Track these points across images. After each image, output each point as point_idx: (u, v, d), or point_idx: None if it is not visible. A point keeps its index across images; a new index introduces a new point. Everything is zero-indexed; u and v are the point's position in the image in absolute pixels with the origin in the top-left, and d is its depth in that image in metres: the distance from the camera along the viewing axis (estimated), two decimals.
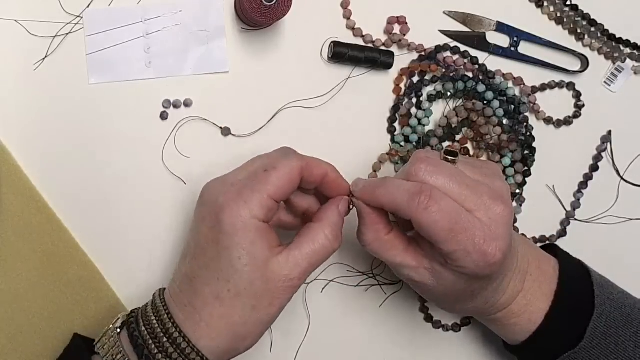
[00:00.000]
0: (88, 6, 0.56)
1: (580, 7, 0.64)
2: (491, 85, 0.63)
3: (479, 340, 0.64)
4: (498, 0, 0.63)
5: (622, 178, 0.66)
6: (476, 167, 0.51)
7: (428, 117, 0.62)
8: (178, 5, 0.58)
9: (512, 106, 0.63)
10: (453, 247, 0.47)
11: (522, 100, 0.64)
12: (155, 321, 0.48)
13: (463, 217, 0.47)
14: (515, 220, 0.64)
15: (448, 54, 0.63)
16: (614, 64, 0.66)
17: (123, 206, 0.58)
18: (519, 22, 0.64)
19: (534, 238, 0.65)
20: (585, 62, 0.65)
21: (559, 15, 0.65)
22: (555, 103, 0.65)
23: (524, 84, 0.64)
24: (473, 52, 0.63)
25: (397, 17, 0.62)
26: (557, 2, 0.64)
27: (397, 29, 0.62)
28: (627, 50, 0.66)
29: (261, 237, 0.47)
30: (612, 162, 0.66)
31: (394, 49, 0.62)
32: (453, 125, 0.63)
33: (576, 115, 0.65)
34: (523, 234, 0.65)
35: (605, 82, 0.66)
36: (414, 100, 0.62)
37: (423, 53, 0.62)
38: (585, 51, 0.65)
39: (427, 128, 0.62)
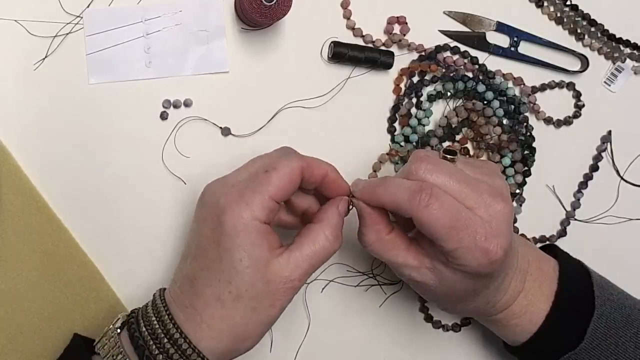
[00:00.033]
0: (88, 6, 0.56)
1: (580, 7, 0.64)
2: (491, 85, 0.63)
3: (478, 340, 0.64)
4: (498, 0, 0.63)
5: (622, 178, 0.66)
6: (475, 166, 0.52)
7: (428, 117, 0.62)
8: (178, 5, 0.58)
9: (512, 106, 0.63)
10: (454, 244, 0.47)
11: (522, 100, 0.64)
12: (155, 322, 0.48)
13: (464, 215, 0.47)
14: (515, 220, 0.64)
15: (448, 54, 0.63)
16: (614, 64, 0.66)
17: (123, 206, 0.58)
18: (519, 22, 0.64)
19: (534, 238, 0.65)
20: (585, 62, 0.65)
21: (559, 15, 0.65)
22: (555, 103, 0.65)
23: (524, 84, 0.64)
24: (473, 52, 0.63)
25: (397, 17, 0.62)
26: (557, 2, 0.64)
27: (397, 29, 0.62)
28: (627, 50, 0.66)
29: (262, 239, 0.47)
30: (612, 162, 0.66)
31: (394, 49, 0.62)
32: (453, 125, 0.63)
33: (576, 115, 0.65)
34: (523, 234, 0.65)
35: (605, 82, 0.66)
36: (414, 100, 0.62)
37: (423, 53, 0.62)
38: (585, 51, 0.65)
39: (427, 128, 0.62)
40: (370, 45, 0.61)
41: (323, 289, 0.62)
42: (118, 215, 0.58)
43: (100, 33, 0.57)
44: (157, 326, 0.48)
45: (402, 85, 0.62)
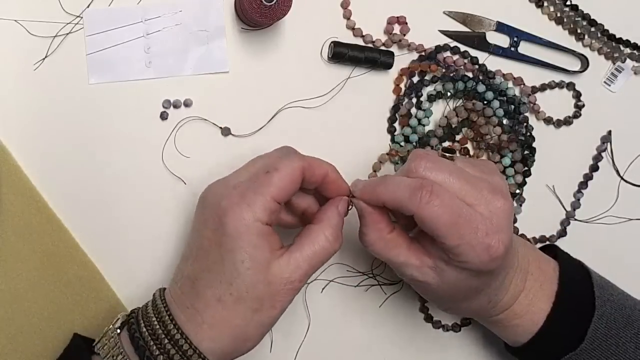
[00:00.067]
0: (88, 6, 0.56)
1: (580, 7, 0.64)
2: (491, 85, 0.63)
3: (478, 340, 0.64)
4: (498, 0, 0.63)
5: (622, 178, 0.66)
6: (474, 164, 0.52)
7: (428, 117, 0.62)
8: (178, 5, 0.58)
9: (512, 106, 0.63)
10: (456, 241, 0.47)
11: (522, 100, 0.64)
12: (156, 322, 0.48)
13: (465, 212, 0.47)
14: (515, 220, 0.64)
15: (448, 54, 0.63)
16: (614, 64, 0.66)
17: (123, 206, 0.58)
18: (519, 22, 0.64)
19: (534, 238, 0.65)
20: (585, 62, 0.65)
21: (559, 15, 0.65)
22: (555, 103, 0.65)
23: (524, 84, 0.64)
24: (473, 52, 0.63)
25: (397, 17, 0.62)
26: (557, 2, 0.64)
27: (397, 29, 0.62)
28: (627, 50, 0.66)
29: (264, 241, 0.47)
30: (612, 162, 0.66)
31: (394, 49, 0.62)
32: (453, 125, 0.63)
33: (576, 115, 0.65)
34: (523, 234, 0.65)
35: (605, 82, 0.66)
36: (414, 100, 0.62)
37: (423, 53, 0.62)
38: (585, 51, 0.65)
39: (427, 128, 0.62)
40: (370, 45, 0.61)
41: (323, 289, 0.62)
42: (118, 215, 0.58)
43: (100, 33, 0.57)
44: (158, 327, 0.48)
45: (402, 85, 0.62)
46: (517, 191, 0.64)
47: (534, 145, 0.64)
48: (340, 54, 0.60)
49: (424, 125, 0.62)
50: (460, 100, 0.63)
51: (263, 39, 0.60)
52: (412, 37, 0.62)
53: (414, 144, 0.62)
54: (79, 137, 0.57)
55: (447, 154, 0.51)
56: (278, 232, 0.49)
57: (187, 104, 0.58)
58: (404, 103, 0.62)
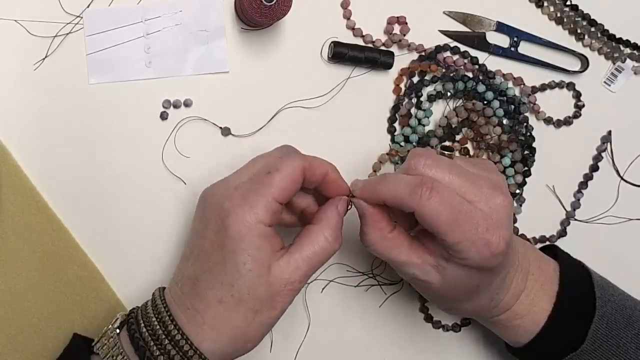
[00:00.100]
0: (88, 6, 0.56)
1: (580, 7, 0.64)
2: (491, 85, 0.63)
3: (478, 340, 0.64)
4: (498, 0, 0.63)
5: (622, 178, 0.66)
6: (472, 163, 0.52)
7: (428, 117, 0.62)
8: (178, 5, 0.58)
9: (512, 106, 0.63)
10: (457, 237, 0.47)
11: (522, 100, 0.64)
12: (156, 322, 0.48)
13: (465, 208, 0.48)
14: (515, 221, 0.64)
15: (448, 54, 0.63)
16: (614, 64, 0.66)
17: (123, 206, 0.58)
18: (519, 22, 0.64)
19: (534, 238, 0.65)
20: (585, 62, 0.65)
21: (559, 15, 0.65)
22: (555, 103, 0.65)
23: (524, 84, 0.64)
24: (473, 52, 0.63)
25: (397, 17, 0.62)
26: (557, 2, 0.64)
27: (397, 29, 0.62)
28: (627, 50, 0.66)
29: (266, 242, 0.47)
30: (612, 162, 0.66)
31: (394, 49, 0.62)
32: (453, 125, 0.63)
33: (576, 115, 0.65)
34: (523, 234, 0.65)
35: (605, 82, 0.66)
36: (414, 100, 0.62)
37: (423, 53, 0.62)
38: (585, 51, 0.65)
39: (427, 128, 0.62)
40: (370, 45, 0.61)
41: (323, 289, 0.62)
42: (118, 215, 0.58)
43: (100, 33, 0.57)
44: (158, 327, 0.48)
45: (402, 85, 0.62)
46: (517, 191, 0.64)
47: (534, 145, 0.64)
48: (340, 54, 0.60)
49: (424, 125, 0.62)
50: (460, 100, 0.63)
51: (263, 39, 0.60)
52: (412, 37, 0.62)
53: (414, 144, 0.62)
54: (79, 137, 0.57)
55: (445, 152, 0.51)
56: (278, 230, 0.49)
57: (187, 104, 0.58)
58: (404, 103, 0.62)
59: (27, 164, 0.56)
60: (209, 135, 0.59)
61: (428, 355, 0.64)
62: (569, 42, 0.65)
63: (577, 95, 0.65)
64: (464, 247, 0.47)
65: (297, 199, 0.53)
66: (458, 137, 0.63)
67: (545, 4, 0.64)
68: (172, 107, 0.58)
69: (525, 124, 0.64)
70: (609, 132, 0.66)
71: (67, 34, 0.56)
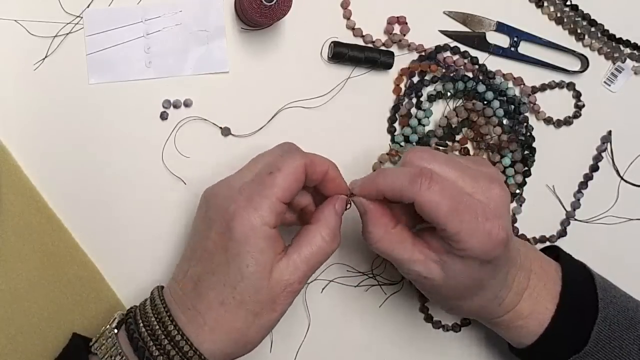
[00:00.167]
0: (88, 6, 0.56)
1: (580, 7, 0.64)
2: (491, 85, 0.63)
3: (478, 340, 0.64)
4: (498, 0, 0.63)
5: (622, 178, 0.66)
6: (467, 158, 0.53)
7: (428, 117, 0.62)
8: (178, 5, 0.58)
9: (512, 106, 0.63)
10: (457, 227, 0.47)
11: (522, 100, 0.64)
12: (155, 322, 0.48)
13: (465, 198, 0.48)
14: (515, 221, 0.64)
15: (448, 54, 0.63)
16: (614, 64, 0.66)
17: (123, 206, 0.58)
18: (519, 22, 0.64)
19: (534, 238, 0.65)
20: (585, 62, 0.65)
21: (559, 15, 0.65)
22: (555, 103, 0.65)
23: (524, 84, 0.64)
24: (473, 52, 0.63)
25: (397, 17, 0.62)
26: (557, 2, 0.64)
27: (397, 29, 0.62)
28: (627, 50, 0.66)
29: (269, 245, 0.47)
30: (612, 162, 0.66)
31: (394, 49, 0.62)
32: (453, 125, 0.63)
33: (576, 115, 0.65)
34: (523, 234, 0.65)
35: (605, 82, 0.66)
36: (414, 100, 0.62)
37: (423, 53, 0.62)
38: (585, 51, 0.65)
39: (427, 128, 0.62)
40: (370, 45, 0.61)
41: (323, 289, 0.62)
42: (118, 215, 0.58)
43: (100, 33, 0.57)
44: (157, 327, 0.48)
45: (402, 85, 0.62)
46: (517, 191, 0.64)
47: (534, 145, 0.64)
48: (340, 54, 0.60)
49: (424, 125, 0.62)
50: (460, 100, 0.63)
51: (263, 39, 0.60)
52: (412, 37, 0.62)
53: (414, 144, 0.62)
54: (79, 137, 0.57)
55: (440, 147, 0.51)
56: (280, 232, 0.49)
57: (187, 104, 0.58)
58: (404, 103, 0.62)
59: (27, 164, 0.56)
60: (209, 135, 0.59)
61: (428, 355, 0.64)
62: (569, 42, 0.65)
63: (577, 95, 0.65)
64: (464, 237, 0.47)
65: (297, 197, 0.53)
66: (458, 137, 0.63)
67: (545, 4, 0.64)
68: (172, 107, 0.58)
69: (525, 124, 0.64)
70: (609, 132, 0.66)
71: (67, 34, 0.56)
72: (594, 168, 0.66)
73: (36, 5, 0.55)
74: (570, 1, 0.64)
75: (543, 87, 0.65)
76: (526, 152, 0.64)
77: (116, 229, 0.58)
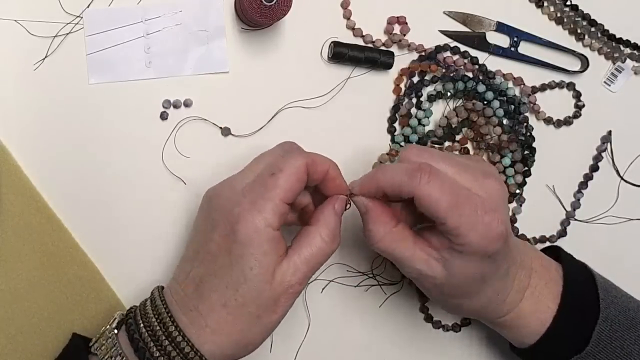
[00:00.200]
0: (88, 6, 0.56)
1: (580, 7, 0.64)
2: (491, 85, 0.63)
3: (479, 340, 0.64)
4: (498, 0, 0.63)
5: (622, 178, 0.66)
6: (462, 156, 0.53)
7: (428, 117, 0.62)
8: (178, 5, 0.58)
9: (512, 106, 0.63)
10: (457, 221, 0.47)
11: (522, 100, 0.64)
12: (156, 323, 0.48)
13: (464, 192, 0.48)
14: (515, 221, 0.64)
15: (448, 54, 0.63)
16: (614, 64, 0.66)
17: (123, 206, 0.58)
18: (519, 22, 0.64)
19: (534, 238, 0.65)
20: (585, 62, 0.65)
21: (559, 15, 0.65)
22: (555, 103, 0.65)
23: (524, 84, 0.64)
24: (473, 52, 0.63)
25: (397, 17, 0.62)
26: (557, 2, 0.64)
27: (397, 29, 0.62)
28: (627, 50, 0.66)
29: (273, 248, 0.47)
30: (612, 162, 0.66)
31: (394, 49, 0.62)
32: (453, 125, 0.63)
33: (576, 115, 0.65)
34: (523, 234, 0.65)
35: (605, 82, 0.66)
36: (414, 100, 0.62)
37: (423, 53, 0.62)
38: (585, 51, 0.65)
39: (427, 128, 0.62)
40: (370, 45, 0.61)
41: (323, 289, 0.62)
42: (118, 215, 0.58)
43: (100, 33, 0.57)
44: (158, 328, 0.48)
45: (402, 85, 0.62)
46: (517, 191, 0.64)
47: (534, 145, 0.64)
48: (340, 54, 0.60)
49: (424, 125, 0.62)
50: (460, 100, 0.63)
51: (263, 39, 0.60)
52: (412, 37, 0.62)
53: (414, 144, 0.62)
54: (79, 137, 0.57)
55: (436, 145, 0.51)
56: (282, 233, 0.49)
57: (187, 104, 0.58)
58: (404, 103, 0.62)
59: (27, 164, 0.56)
60: (209, 135, 0.59)
61: (428, 355, 0.64)
62: (569, 42, 0.65)
63: (577, 95, 0.65)
64: (464, 232, 0.47)
65: (299, 197, 0.53)
66: (458, 137, 0.63)
67: (545, 4, 0.64)
68: (172, 107, 0.58)
69: (525, 124, 0.64)
70: (609, 132, 0.66)
71: (67, 34, 0.56)
72: (594, 168, 0.66)
73: (36, 5, 0.55)
74: (570, 1, 0.64)
75: (543, 87, 0.65)
76: (526, 152, 0.64)
77: (116, 229, 0.58)
